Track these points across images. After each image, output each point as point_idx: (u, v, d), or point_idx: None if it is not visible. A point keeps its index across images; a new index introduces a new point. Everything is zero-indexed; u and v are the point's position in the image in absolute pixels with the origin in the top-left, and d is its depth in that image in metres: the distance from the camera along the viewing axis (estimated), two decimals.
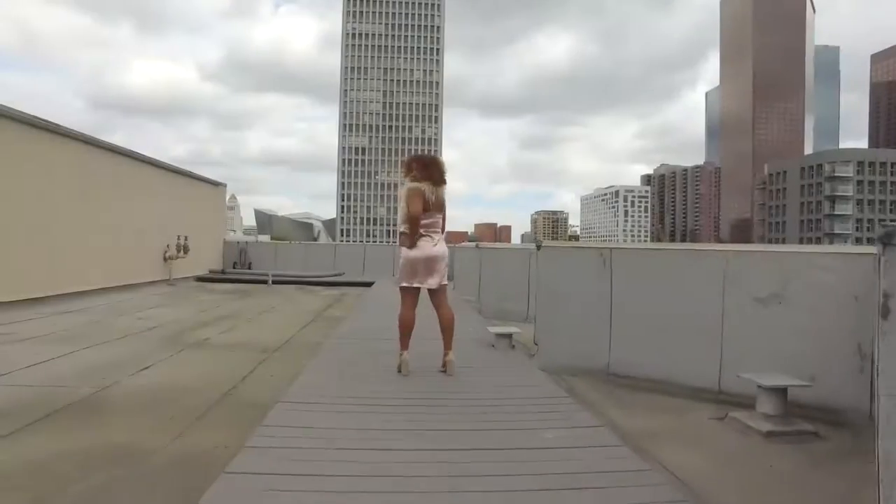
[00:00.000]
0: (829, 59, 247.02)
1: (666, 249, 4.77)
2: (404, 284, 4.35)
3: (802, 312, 3.91)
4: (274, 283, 14.61)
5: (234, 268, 17.47)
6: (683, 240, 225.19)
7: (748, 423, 3.43)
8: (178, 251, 13.68)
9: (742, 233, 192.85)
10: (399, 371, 4.25)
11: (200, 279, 15.10)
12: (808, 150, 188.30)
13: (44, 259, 9.10)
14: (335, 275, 16.43)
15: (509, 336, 5.40)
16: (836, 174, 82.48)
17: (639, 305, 4.79)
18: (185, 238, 13.92)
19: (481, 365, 4.75)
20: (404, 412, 3.30)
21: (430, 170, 4.29)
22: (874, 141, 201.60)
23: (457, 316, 8.33)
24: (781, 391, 3.41)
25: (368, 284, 13.81)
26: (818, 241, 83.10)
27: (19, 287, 8.44)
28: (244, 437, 2.89)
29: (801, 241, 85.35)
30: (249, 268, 17.54)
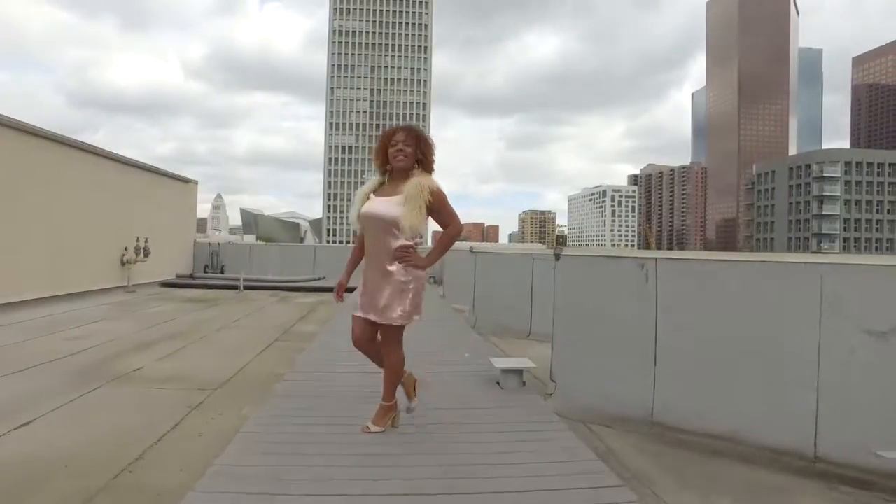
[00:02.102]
0: (813, 60, 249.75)
1: (734, 261, 3.60)
2: (417, 317, 3.02)
3: None
4: (246, 288, 13.31)
5: (204, 271, 16.10)
6: (671, 240, 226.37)
7: None
8: (138, 254, 12.30)
9: (728, 233, 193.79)
10: (372, 430, 3.05)
11: (165, 284, 13.71)
12: (793, 150, 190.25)
13: None
14: (315, 279, 15.13)
15: (520, 372, 4.18)
16: (823, 174, 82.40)
17: (694, 333, 3.61)
18: (146, 240, 12.54)
19: (486, 417, 3.53)
20: None
21: (422, 147, 2.98)
22: (856, 141, 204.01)
23: (450, 332, 7.03)
24: None
25: (350, 290, 12.53)
26: (806, 241, 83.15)
27: None
28: None
29: (789, 242, 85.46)
30: (222, 271, 16.17)
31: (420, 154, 2.97)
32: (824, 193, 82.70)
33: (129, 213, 12.37)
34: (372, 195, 3.01)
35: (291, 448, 2.86)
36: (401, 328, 2.97)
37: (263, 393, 4.18)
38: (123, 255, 12.04)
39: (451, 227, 3.02)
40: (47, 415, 3.67)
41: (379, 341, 3.05)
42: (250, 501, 2.25)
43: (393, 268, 2.88)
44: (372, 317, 2.92)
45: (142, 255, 12.45)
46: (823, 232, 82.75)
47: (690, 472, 3.04)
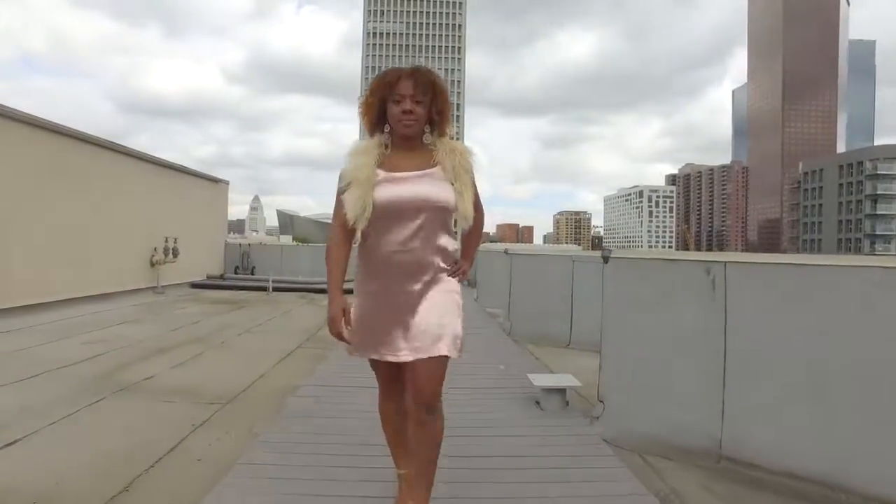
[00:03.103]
0: (865, 53, 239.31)
1: (816, 266, 3.00)
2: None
3: None
4: (275, 290, 13.09)
5: (235, 272, 16.02)
6: (710, 241, 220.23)
7: None
8: (166, 255, 12.21)
9: (772, 234, 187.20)
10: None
11: (195, 285, 13.63)
12: (841, 148, 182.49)
13: None
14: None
15: (562, 391, 3.66)
16: (878, 172, 78.34)
17: (773, 352, 3.02)
18: (175, 240, 12.44)
19: (524, 445, 3.03)
20: None
21: (438, 103, 1.98)
22: None
23: (484, 339, 6.41)
24: None
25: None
26: (858, 242, 79.28)
27: None
28: None
29: (839, 243, 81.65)
30: (252, 272, 16.06)
31: (435, 113, 1.98)
32: (878, 192, 78.62)
33: (158, 213, 12.30)
34: (379, 170, 1.94)
35: (299, 486, 2.42)
36: (446, 361, 1.96)
37: (277, 408, 3.79)
38: (153, 255, 11.96)
39: (480, 213, 2.10)
40: (39, 432, 3.33)
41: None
42: None
43: (443, 272, 1.99)
44: (424, 352, 1.89)
45: (170, 255, 12.35)
46: (877, 233, 78.71)
47: None
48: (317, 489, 2.40)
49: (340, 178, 1.96)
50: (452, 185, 1.96)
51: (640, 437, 3.38)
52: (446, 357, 1.92)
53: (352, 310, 1.97)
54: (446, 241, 1.99)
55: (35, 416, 3.59)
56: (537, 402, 3.70)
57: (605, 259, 3.63)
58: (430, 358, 1.89)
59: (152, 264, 11.92)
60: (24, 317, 7.70)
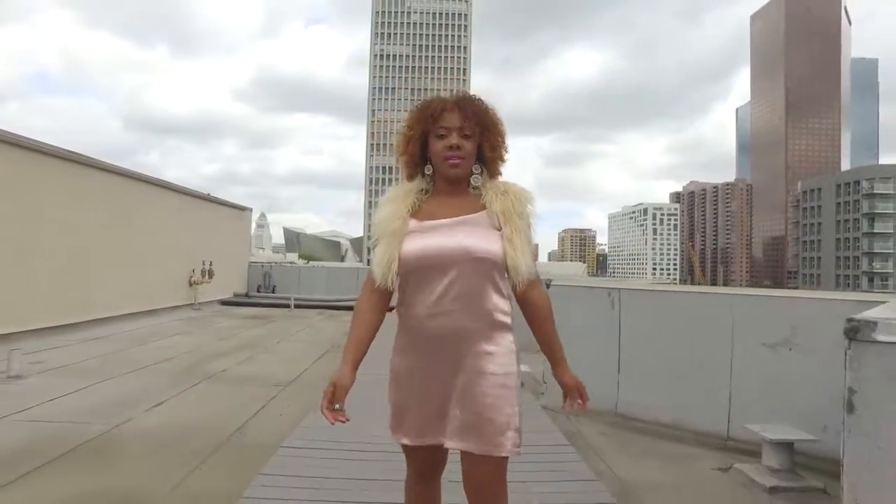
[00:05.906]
0: (867, 71, 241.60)
1: (674, 292, 4.73)
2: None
3: (814, 360, 3.80)
4: (296, 307, 14.82)
5: (258, 291, 17.79)
6: (714, 258, 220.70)
7: (752, 477, 3.33)
8: (204, 276, 14.01)
9: (776, 251, 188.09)
10: None
11: (225, 303, 15.40)
12: (846, 165, 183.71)
13: (78, 286, 9.44)
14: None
15: None
16: (874, 191, 79.93)
17: (646, 347, 4.72)
18: (210, 263, 14.25)
19: None
20: None
21: (491, 138, 1.70)
22: None
23: None
24: (787, 445, 3.31)
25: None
26: (856, 260, 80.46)
27: (56, 313, 8.78)
28: (246, 482, 2.97)
29: (837, 261, 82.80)
30: (273, 291, 17.83)
31: (488, 149, 1.69)
32: (875, 211, 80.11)
33: (195, 239, 14.13)
34: (412, 220, 1.66)
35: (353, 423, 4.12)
36: (506, 462, 1.61)
37: (320, 391, 5.50)
38: (191, 276, 13.76)
39: (537, 283, 1.72)
40: (169, 400, 5.07)
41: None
42: (331, 445, 3.53)
43: (495, 347, 1.62)
44: (471, 445, 1.58)
45: (207, 276, 14.15)
46: (875, 251, 79.99)
47: (633, 447, 4.15)
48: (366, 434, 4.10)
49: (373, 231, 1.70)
50: (500, 230, 1.61)
51: None
52: (504, 458, 1.58)
53: (391, 389, 1.77)
54: (494, 305, 1.61)
55: (159, 392, 5.32)
56: None
57: (547, 286, 5.35)
58: (484, 457, 1.57)
59: (191, 284, 13.71)
60: (99, 328, 9.47)
